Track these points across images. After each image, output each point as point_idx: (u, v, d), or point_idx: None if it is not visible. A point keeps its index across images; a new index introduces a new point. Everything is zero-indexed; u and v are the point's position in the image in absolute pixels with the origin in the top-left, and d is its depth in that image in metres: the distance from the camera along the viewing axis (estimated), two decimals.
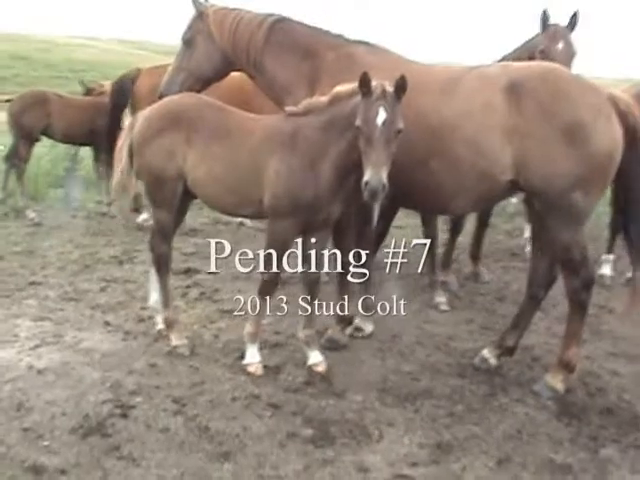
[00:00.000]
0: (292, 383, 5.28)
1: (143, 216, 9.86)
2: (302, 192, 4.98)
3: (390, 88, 4.64)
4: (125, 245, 8.76)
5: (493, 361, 5.76)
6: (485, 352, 5.81)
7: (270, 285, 5.32)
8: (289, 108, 5.22)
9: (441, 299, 7.27)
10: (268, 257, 5.26)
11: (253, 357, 5.41)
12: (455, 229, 7.97)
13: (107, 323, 6.17)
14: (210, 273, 7.95)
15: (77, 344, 5.66)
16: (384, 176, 4.55)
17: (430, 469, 4.33)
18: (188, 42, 6.12)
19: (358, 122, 4.65)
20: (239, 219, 10.40)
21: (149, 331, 6.02)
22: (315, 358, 5.49)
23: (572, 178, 4.95)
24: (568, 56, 6.89)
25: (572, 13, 7.10)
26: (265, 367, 5.42)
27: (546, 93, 5.00)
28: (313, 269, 5.37)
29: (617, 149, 4.99)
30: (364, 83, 4.62)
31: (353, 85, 4.79)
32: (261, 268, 5.33)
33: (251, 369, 5.36)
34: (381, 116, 4.59)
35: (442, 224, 8.74)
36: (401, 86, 4.62)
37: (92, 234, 9.30)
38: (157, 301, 5.89)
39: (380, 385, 5.36)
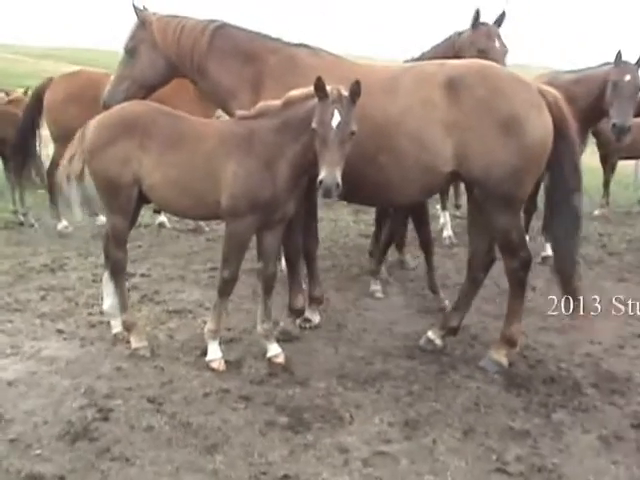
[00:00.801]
0: (256, 375, 5.48)
1: (63, 223, 9.78)
2: (260, 192, 5.18)
3: (345, 92, 4.90)
4: (53, 253, 8.68)
5: (438, 342, 6.13)
6: (430, 334, 6.18)
7: (230, 284, 5.50)
8: (240, 112, 5.41)
9: (376, 287, 7.61)
10: (227, 257, 5.44)
11: (215, 353, 5.58)
12: (380, 218, 8.28)
13: (60, 331, 6.18)
14: (143, 275, 8.03)
15: (37, 353, 5.67)
16: (338, 175, 4.79)
17: (404, 445, 4.64)
18: (131, 51, 6.18)
19: (314, 124, 4.89)
20: (158, 221, 10.47)
21: (104, 336, 6.08)
22: (274, 350, 5.71)
23: (509, 167, 5.35)
24: (503, 53, 7.29)
25: (501, 12, 7.50)
26: (226, 362, 5.60)
27: (483, 89, 5.37)
28: (270, 265, 5.58)
29: (549, 139, 5.42)
30: (320, 87, 4.86)
31: (307, 89, 5.03)
32: (221, 267, 5.49)
33: (214, 365, 5.54)
34: (336, 119, 4.83)
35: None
36: (355, 90, 4.87)
37: (15, 244, 9.15)
38: (112, 306, 5.97)
39: (339, 371, 5.63)
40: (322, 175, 4.79)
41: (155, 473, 4.19)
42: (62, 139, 9.45)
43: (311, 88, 4.93)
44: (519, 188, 5.47)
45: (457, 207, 11.86)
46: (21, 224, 10.02)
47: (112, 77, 6.40)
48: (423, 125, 5.42)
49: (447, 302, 7.27)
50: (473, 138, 5.36)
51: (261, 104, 5.33)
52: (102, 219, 10.11)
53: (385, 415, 4.99)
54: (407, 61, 7.79)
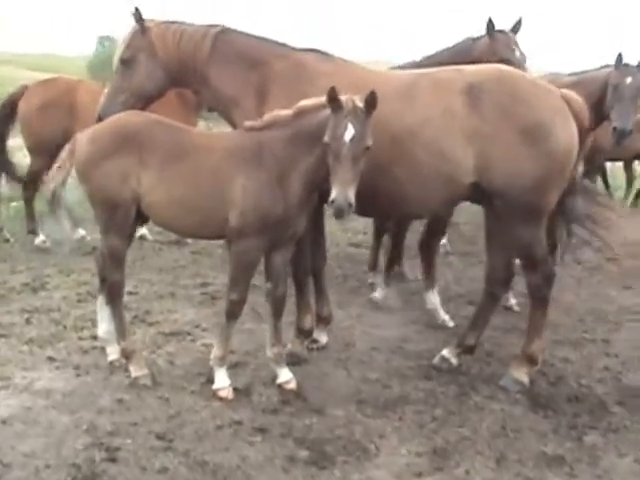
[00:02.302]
0: (268, 404, 5.13)
1: (41, 237, 9.32)
2: (271, 208, 4.83)
3: (360, 103, 4.57)
4: (32, 271, 8.20)
5: (454, 361, 5.84)
6: (445, 352, 5.88)
7: (238, 306, 5.13)
8: (248, 123, 5.05)
9: (381, 293, 7.46)
10: (235, 278, 5.07)
11: (223, 381, 5.21)
12: (380, 230, 7.98)
13: (51, 359, 5.74)
14: (131, 294, 7.62)
15: (30, 386, 5.23)
16: (351, 194, 4.47)
17: (436, 477, 4.36)
18: (128, 61, 5.73)
19: (326, 138, 4.56)
20: (139, 233, 10.02)
21: (99, 363, 5.67)
22: (285, 376, 5.35)
23: (533, 177, 5.08)
24: (524, 61, 7.04)
25: (517, 19, 7.25)
26: (234, 390, 5.23)
27: (505, 95, 5.09)
28: (280, 286, 5.23)
29: (574, 147, 5.17)
30: (333, 98, 4.53)
31: (319, 99, 4.69)
32: (228, 289, 5.13)
33: (223, 394, 5.16)
34: (350, 132, 4.50)
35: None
36: (371, 102, 4.54)
37: None
38: (107, 331, 5.56)
39: (355, 397, 5.30)
40: (334, 194, 4.47)
41: None
42: (39, 150, 9.07)
43: (324, 98, 4.60)
44: (542, 199, 5.21)
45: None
46: None
47: (106, 89, 5.95)
48: (442, 134, 5.12)
49: (447, 317, 7.00)
50: (495, 147, 5.08)
51: (270, 114, 4.98)
52: (81, 232, 9.66)
53: (411, 444, 4.69)
54: (407, 64, 7.49)
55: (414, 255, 7.96)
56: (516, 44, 7.07)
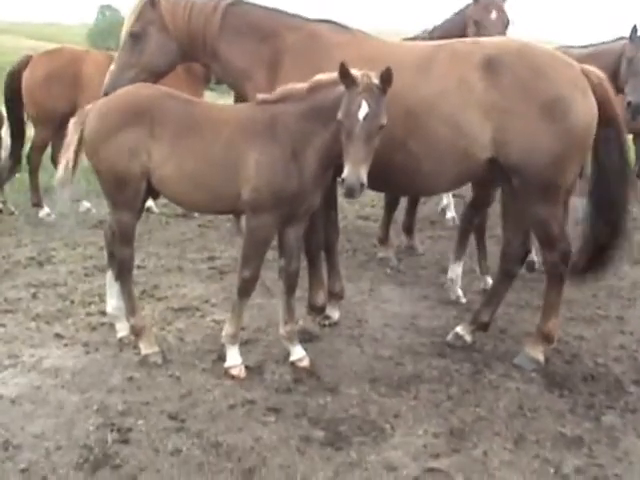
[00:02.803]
0: (281, 382, 5.04)
1: (45, 210, 9.21)
2: (285, 184, 4.71)
3: (375, 80, 4.41)
4: (38, 244, 8.08)
5: (468, 338, 5.76)
6: (459, 329, 5.79)
7: (251, 284, 5.03)
8: (261, 96, 4.91)
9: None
10: (248, 254, 4.96)
11: (235, 359, 5.12)
12: (391, 204, 7.87)
13: (59, 335, 5.65)
14: (139, 267, 7.51)
15: (39, 364, 5.14)
16: (363, 174, 4.34)
17: (454, 459, 4.27)
18: (137, 35, 5.56)
19: (339, 115, 4.41)
20: (146, 205, 9.89)
21: (108, 340, 5.58)
22: (298, 353, 5.27)
23: (551, 153, 4.95)
24: (502, 25, 6.86)
25: None
26: (246, 368, 5.15)
27: (524, 69, 4.95)
28: (293, 262, 5.13)
29: (594, 123, 5.02)
30: (344, 74, 4.36)
31: (336, 74, 4.54)
32: (240, 266, 5.02)
33: (235, 372, 5.08)
34: (364, 110, 4.35)
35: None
36: (387, 78, 4.38)
37: None
38: (117, 307, 5.48)
39: (369, 375, 5.22)
40: (345, 173, 4.33)
41: None
42: (43, 121, 8.91)
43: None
44: (561, 176, 5.08)
45: None
46: (0, 212, 9.38)
47: (112, 65, 5.77)
48: (459, 108, 4.98)
49: (461, 293, 6.89)
50: (513, 122, 4.94)
51: (283, 87, 4.83)
52: (85, 205, 9.56)
53: (427, 424, 4.61)
54: (419, 35, 7.35)
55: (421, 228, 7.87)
56: (497, 8, 6.88)
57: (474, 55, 5.04)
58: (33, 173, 9.19)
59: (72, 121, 5.17)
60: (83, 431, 4.33)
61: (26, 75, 8.90)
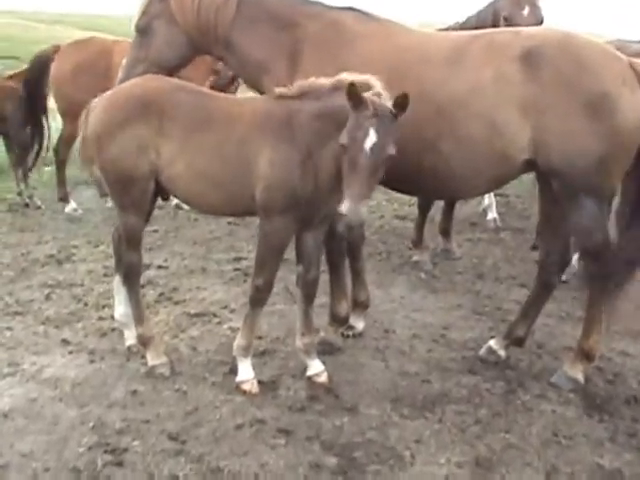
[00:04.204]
0: (295, 400, 4.68)
1: (71, 205, 8.97)
2: (300, 185, 4.32)
3: (388, 103, 3.99)
4: (59, 241, 7.84)
5: (502, 353, 5.34)
6: (493, 343, 5.37)
7: (264, 293, 4.68)
8: (278, 89, 4.52)
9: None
10: (262, 261, 4.60)
11: (247, 373, 4.77)
12: (425, 205, 7.44)
13: (65, 341, 5.36)
14: (160, 267, 7.22)
15: (39, 373, 4.85)
16: (364, 210, 3.97)
17: None
18: (144, 29, 5.23)
19: (343, 139, 3.99)
20: (174, 202, 9.60)
21: (116, 348, 5.27)
22: (316, 368, 4.90)
23: (595, 155, 4.50)
24: (534, 22, 6.37)
25: None
26: (260, 383, 4.79)
27: (566, 62, 4.49)
28: (311, 269, 4.75)
29: None
30: (352, 95, 3.91)
31: (365, 78, 4.11)
32: (254, 274, 4.66)
33: (246, 387, 4.73)
34: (371, 139, 3.91)
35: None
36: (402, 104, 3.93)
37: (19, 230, 8.25)
38: (124, 314, 5.16)
39: (391, 393, 4.83)
40: (345, 209, 3.91)
41: None
42: (71, 113, 8.62)
43: (368, 77, 4.07)
44: (606, 180, 4.62)
45: None
46: (26, 206, 9.17)
47: (123, 62, 5.46)
48: (495, 105, 4.54)
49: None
50: (554, 121, 4.49)
51: (303, 82, 4.43)
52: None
53: (451, 452, 4.21)
54: (451, 26, 6.93)
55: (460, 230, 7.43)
56: (530, 3, 6.40)
57: (512, 47, 4.59)
58: (60, 167, 8.98)
59: (82, 114, 4.87)
60: (74, 452, 4.02)
61: (54, 66, 8.67)
